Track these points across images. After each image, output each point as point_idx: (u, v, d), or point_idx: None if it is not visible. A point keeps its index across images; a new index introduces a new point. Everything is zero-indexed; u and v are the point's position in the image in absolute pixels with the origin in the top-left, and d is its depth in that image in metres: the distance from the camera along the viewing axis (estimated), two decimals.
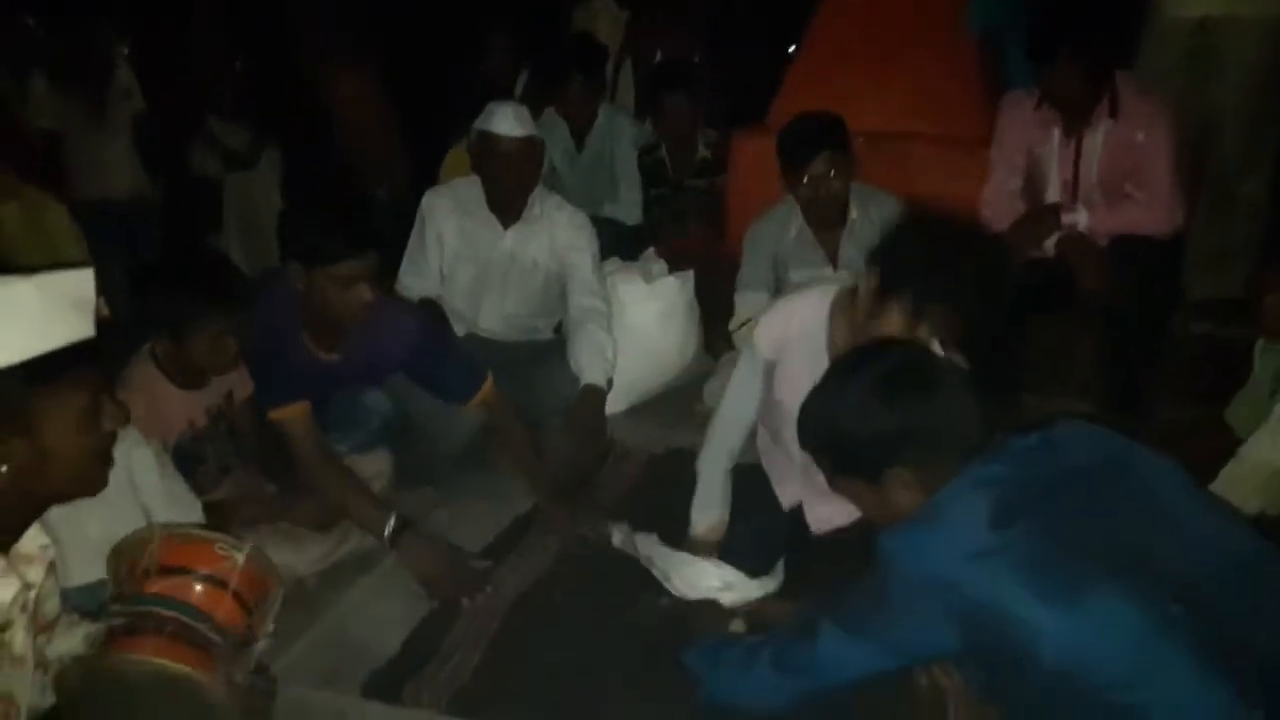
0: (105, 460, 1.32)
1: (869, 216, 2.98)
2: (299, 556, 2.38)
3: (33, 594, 1.31)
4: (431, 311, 3.02)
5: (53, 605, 1.43)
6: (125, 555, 1.67)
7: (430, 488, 2.77)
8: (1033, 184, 3.14)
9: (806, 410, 1.60)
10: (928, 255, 1.88)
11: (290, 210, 2.47)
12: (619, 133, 4.14)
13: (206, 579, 1.61)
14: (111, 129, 4.28)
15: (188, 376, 2.34)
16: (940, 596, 1.36)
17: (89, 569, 2.01)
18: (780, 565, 2.30)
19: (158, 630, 1.51)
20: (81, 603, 1.97)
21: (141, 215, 4.36)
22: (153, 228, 4.40)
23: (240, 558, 1.64)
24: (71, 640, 1.53)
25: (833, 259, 3.02)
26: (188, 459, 2.33)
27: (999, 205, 3.13)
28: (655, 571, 2.31)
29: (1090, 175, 3.04)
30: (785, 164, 2.89)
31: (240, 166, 4.71)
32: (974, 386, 1.54)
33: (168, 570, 1.58)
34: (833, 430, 1.55)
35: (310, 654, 2.19)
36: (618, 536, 2.48)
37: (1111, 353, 3.01)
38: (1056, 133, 3.05)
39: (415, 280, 3.18)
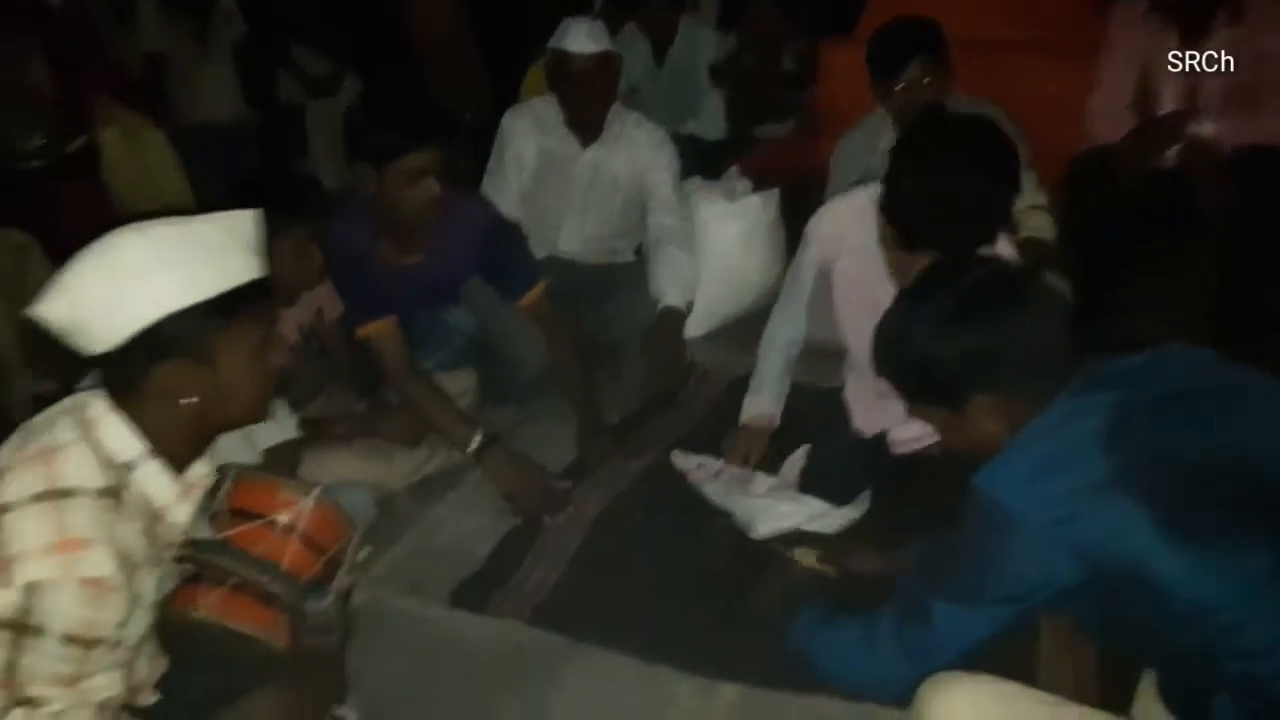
0: (271, 392, 1.39)
1: None
2: (389, 470, 2.45)
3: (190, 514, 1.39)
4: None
5: None
6: (260, 490, 1.65)
7: (513, 408, 2.81)
8: (1145, 97, 2.95)
9: (881, 333, 1.51)
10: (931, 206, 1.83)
11: (354, 112, 2.45)
12: (701, 46, 4.04)
13: (272, 524, 1.58)
14: (213, 53, 4.35)
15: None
16: (1056, 532, 1.25)
17: None
18: (865, 494, 2.27)
19: (220, 583, 1.50)
20: None
21: (240, 139, 4.44)
22: (250, 151, 4.49)
23: (309, 502, 1.61)
24: None
25: None
26: (280, 375, 2.39)
27: (1111, 119, 2.95)
28: (735, 516, 2.29)
29: (1211, 86, 2.83)
30: (876, 72, 2.76)
31: (323, 94, 4.74)
32: (1067, 307, 1.45)
33: (236, 513, 1.57)
34: (910, 355, 1.44)
35: (399, 564, 2.26)
36: (685, 463, 2.48)
37: (1234, 277, 2.84)
38: (1172, 42, 2.86)
39: (495, 201, 3.16)
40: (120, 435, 1.26)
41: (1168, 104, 2.90)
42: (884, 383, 1.55)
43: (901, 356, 1.47)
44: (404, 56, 4.57)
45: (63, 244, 2.83)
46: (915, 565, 1.80)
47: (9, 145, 3.26)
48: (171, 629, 1.45)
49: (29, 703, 1.17)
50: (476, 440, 2.37)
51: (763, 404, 2.36)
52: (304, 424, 2.29)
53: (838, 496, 2.23)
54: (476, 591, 2.14)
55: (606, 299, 3.01)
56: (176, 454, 1.31)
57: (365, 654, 1.90)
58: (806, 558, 2.15)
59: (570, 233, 3.18)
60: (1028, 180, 2.86)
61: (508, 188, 3.14)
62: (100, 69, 3.60)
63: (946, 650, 1.42)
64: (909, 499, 2.25)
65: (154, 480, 1.28)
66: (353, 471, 2.37)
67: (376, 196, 2.35)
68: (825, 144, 3.36)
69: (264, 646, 1.51)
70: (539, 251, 3.13)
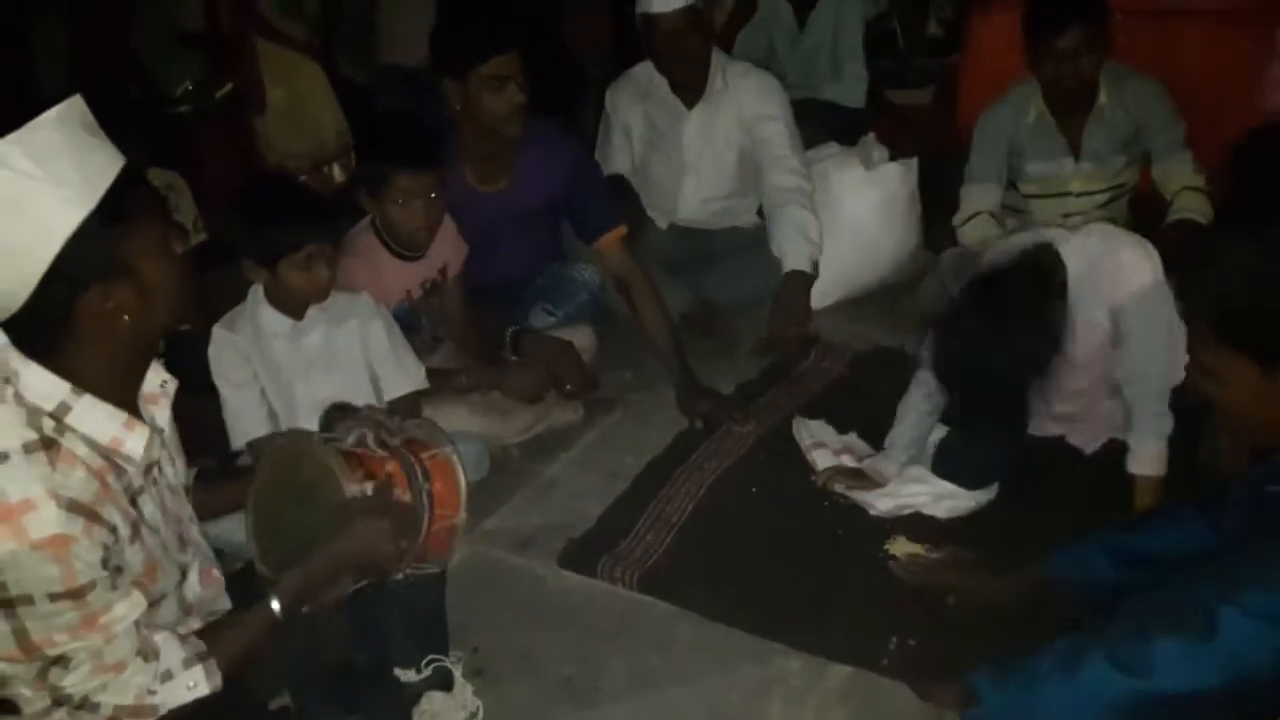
0: (189, 284, 1.28)
1: (1121, 103, 2.69)
2: (506, 425, 2.46)
3: (165, 434, 1.34)
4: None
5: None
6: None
7: (630, 372, 2.79)
8: None
9: (1225, 254, 1.31)
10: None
11: (438, 26, 2.50)
12: (846, 8, 3.88)
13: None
14: None
15: (405, 244, 2.38)
16: None
17: (315, 424, 2.16)
18: (996, 483, 2.19)
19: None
20: None
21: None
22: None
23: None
24: None
25: (1075, 149, 2.75)
26: (403, 328, 2.42)
27: None
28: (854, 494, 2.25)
29: None
30: (1030, 37, 2.62)
31: None
32: None
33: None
34: (1229, 292, 1.24)
35: (510, 520, 2.28)
36: (806, 438, 2.42)
37: None
38: None
39: None
40: (40, 383, 1.17)
41: None
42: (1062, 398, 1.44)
43: (1218, 291, 1.27)
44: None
45: (207, 185, 2.93)
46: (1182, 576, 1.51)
47: (161, 89, 3.38)
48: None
49: (59, 662, 1.17)
50: (511, 330, 2.50)
51: (888, 469, 2.22)
52: (428, 375, 2.31)
53: (973, 481, 2.16)
54: (585, 553, 2.13)
55: (730, 263, 2.95)
56: (115, 381, 1.23)
57: (472, 607, 1.92)
58: (902, 547, 2.09)
59: (687, 198, 3.10)
60: (1183, 160, 2.69)
61: (619, 163, 3.06)
62: (250, 9, 3.64)
63: (1221, 671, 1.26)
64: (1044, 492, 2.18)
65: (91, 417, 1.19)
66: (469, 425, 2.39)
67: (461, 110, 2.40)
68: (967, 114, 3.22)
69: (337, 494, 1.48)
70: (659, 222, 3.09)
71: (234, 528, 2.00)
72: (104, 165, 1.16)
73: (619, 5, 2.87)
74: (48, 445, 1.15)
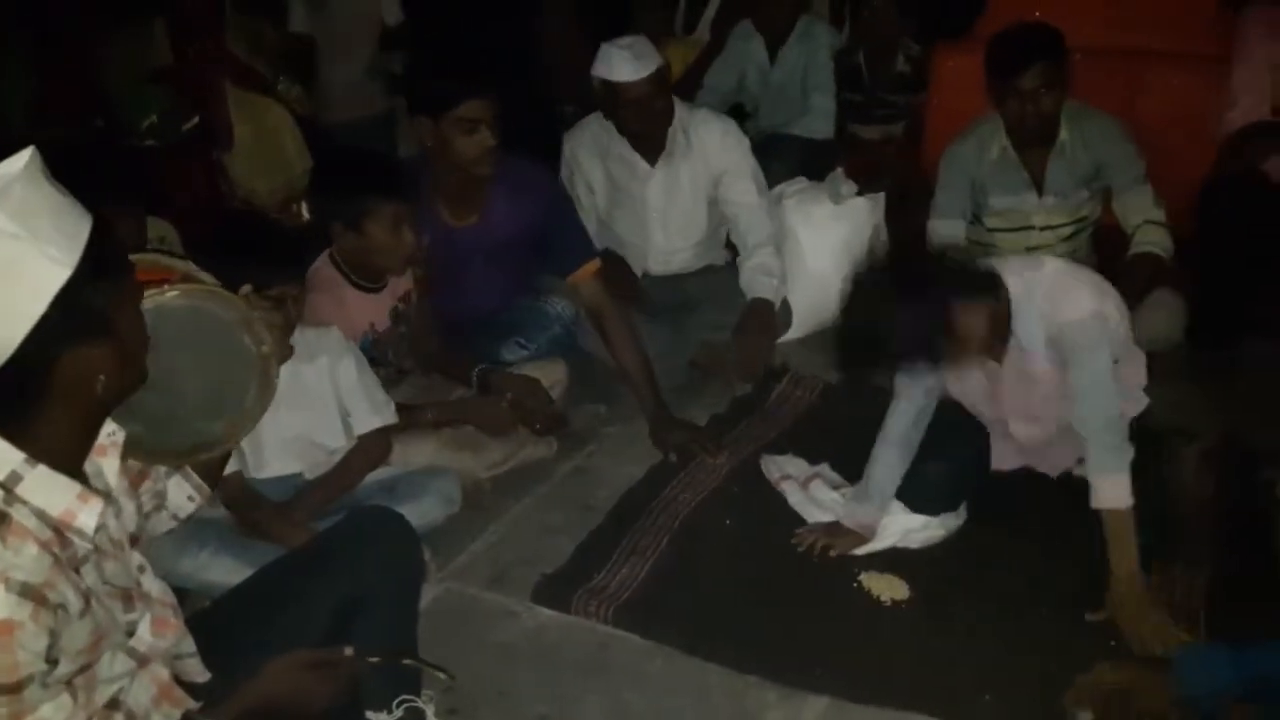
0: (148, 343, 1.21)
1: (1083, 139, 2.74)
2: (477, 460, 2.44)
3: (112, 482, 1.26)
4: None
5: (131, 462, 1.36)
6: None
7: (603, 406, 2.78)
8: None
9: None
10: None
11: (413, 66, 2.55)
12: (816, 43, 3.94)
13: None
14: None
15: (367, 276, 2.37)
16: None
17: (283, 463, 2.14)
18: (964, 505, 2.21)
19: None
20: (270, 492, 2.10)
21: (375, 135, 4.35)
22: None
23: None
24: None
25: (1038, 184, 2.80)
26: (369, 361, 2.40)
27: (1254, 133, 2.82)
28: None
29: None
30: (992, 75, 2.67)
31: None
32: None
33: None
34: None
35: (483, 555, 2.26)
36: (774, 471, 2.43)
37: None
38: None
39: None
40: None
41: None
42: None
43: None
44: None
45: (175, 220, 2.89)
46: None
47: (126, 123, 3.35)
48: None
49: None
50: (478, 369, 2.49)
51: (870, 514, 2.18)
52: (396, 410, 2.29)
53: (942, 505, 2.18)
54: (560, 588, 2.11)
55: (704, 304, 2.95)
56: (72, 449, 1.16)
57: (444, 645, 1.89)
58: (874, 581, 2.10)
59: (657, 252, 3.08)
60: (1142, 194, 2.75)
61: (584, 216, 2.98)
62: (218, 50, 3.63)
63: None
64: (1012, 519, 2.20)
65: (43, 489, 1.11)
66: (441, 459, 2.37)
67: (433, 149, 2.43)
68: (933, 150, 3.27)
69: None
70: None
71: (199, 566, 1.99)
72: (78, 221, 1.10)
73: (597, 45, 2.86)
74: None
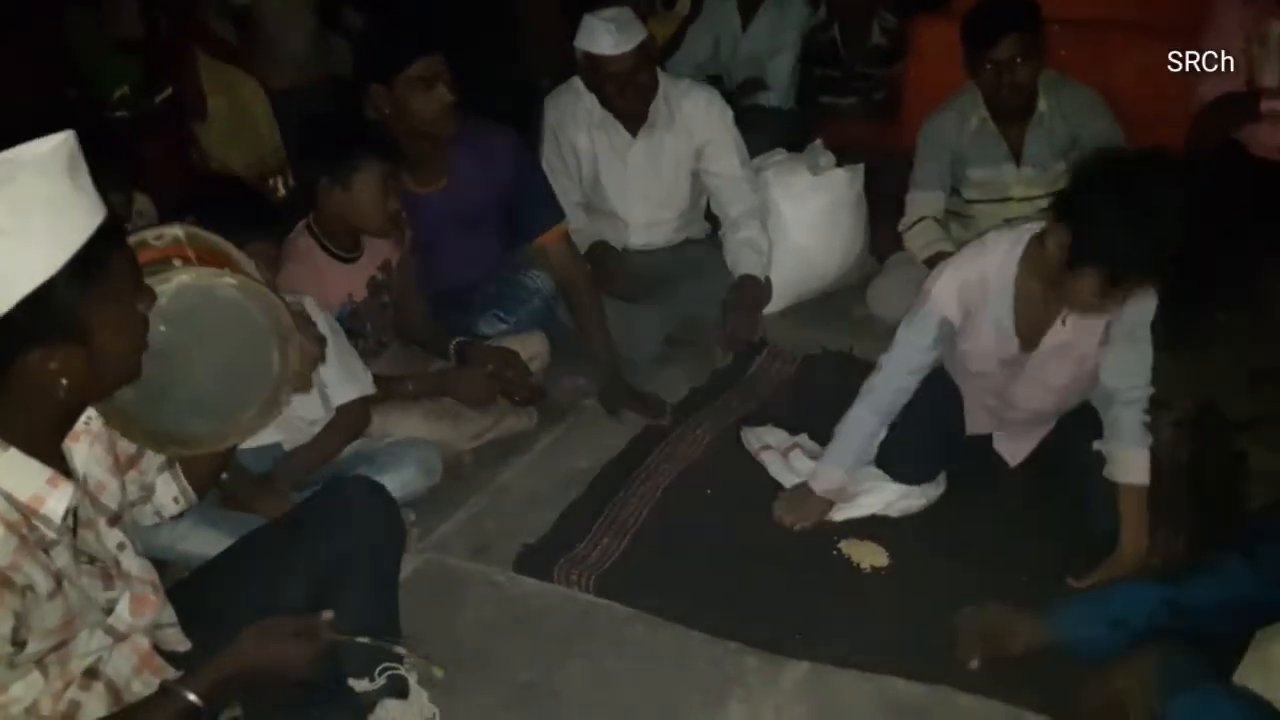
0: (143, 347, 1.19)
1: (1059, 109, 2.75)
2: (457, 432, 2.44)
3: (81, 468, 1.25)
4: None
5: (124, 446, 1.37)
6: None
7: (583, 378, 2.78)
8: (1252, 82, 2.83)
9: None
10: (1127, 223, 1.71)
11: (362, 36, 2.54)
12: (788, 16, 3.94)
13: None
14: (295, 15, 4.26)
15: (344, 245, 2.35)
16: None
17: (262, 434, 2.11)
18: (943, 475, 2.23)
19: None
20: (250, 463, 2.09)
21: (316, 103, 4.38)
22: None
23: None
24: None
25: (1016, 155, 2.81)
26: (347, 332, 2.38)
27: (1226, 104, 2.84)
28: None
29: None
30: (968, 47, 2.68)
31: None
32: None
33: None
34: None
35: (465, 527, 2.26)
36: (754, 442, 2.44)
37: None
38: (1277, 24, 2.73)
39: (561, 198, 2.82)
40: None
41: (1270, 83, 2.78)
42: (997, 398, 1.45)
43: None
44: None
45: (149, 190, 2.85)
46: None
47: (98, 93, 3.31)
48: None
49: None
50: (455, 342, 2.49)
51: (838, 478, 2.16)
52: (375, 381, 2.28)
53: (921, 474, 2.19)
54: (541, 558, 2.12)
55: (695, 278, 2.94)
56: (43, 437, 1.16)
57: (427, 614, 1.90)
58: (854, 548, 2.11)
59: (637, 223, 3.06)
60: None
61: (569, 182, 2.96)
62: (191, 22, 3.59)
63: None
64: (987, 484, 2.23)
65: (13, 473, 1.11)
66: (421, 430, 2.36)
67: (391, 115, 2.39)
68: (911, 121, 3.27)
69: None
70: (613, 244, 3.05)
71: (177, 537, 1.98)
72: (81, 221, 1.06)
73: (575, 18, 2.82)
74: None
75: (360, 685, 1.64)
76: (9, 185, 1.02)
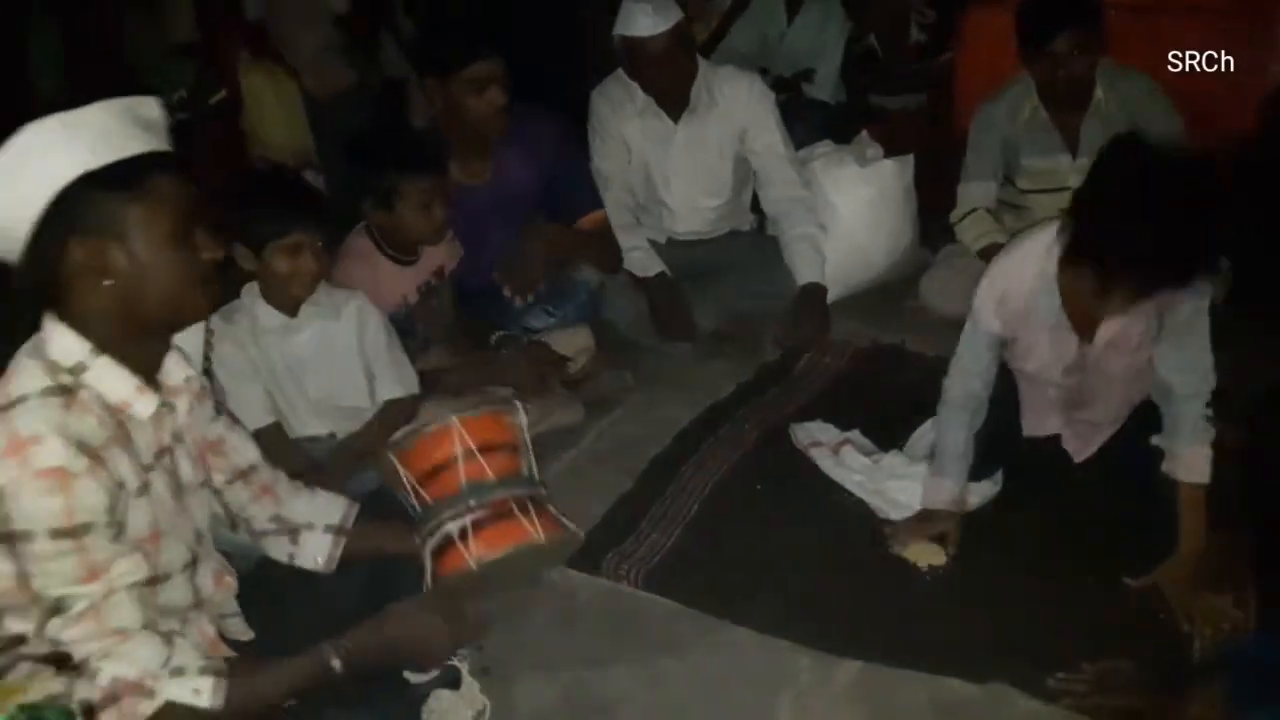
0: (203, 287, 1.30)
1: (1118, 99, 2.69)
2: None
3: (182, 421, 1.36)
4: None
5: (214, 429, 1.48)
6: (417, 452, 1.60)
7: (629, 373, 2.78)
8: None
9: None
10: (1126, 224, 1.65)
11: (422, 28, 2.62)
12: (830, 12, 3.91)
13: (451, 463, 1.57)
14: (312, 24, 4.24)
15: (401, 250, 2.39)
16: None
17: (312, 423, 2.15)
18: (999, 474, 2.18)
19: (462, 536, 1.51)
20: (307, 451, 2.12)
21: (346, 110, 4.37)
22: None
23: (521, 416, 1.68)
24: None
25: (1072, 146, 2.75)
26: (399, 333, 2.41)
27: None
28: (861, 492, 2.23)
29: None
30: (1024, 39, 2.63)
31: None
32: None
33: (420, 482, 1.58)
34: None
35: None
36: (804, 439, 2.41)
37: None
38: None
39: (605, 191, 2.89)
40: (62, 339, 1.24)
41: None
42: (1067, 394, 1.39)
43: None
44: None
45: (205, 190, 2.91)
46: None
47: (158, 98, 3.38)
48: (460, 591, 1.51)
49: (58, 609, 1.19)
50: (496, 335, 2.54)
51: (949, 489, 2.08)
52: (420, 377, 2.30)
53: (978, 472, 2.13)
54: (591, 551, 2.10)
55: (741, 272, 2.93)
56: (124, 348, 1.26)
57: (478, 606, 1.91)
58: (915, 552, 2.07)
59: (683, 213, 3.05)
60: None
61: (620, 172, 2.95)
62: (240, 26, 3.67)
63: None
64: (1045, 483, 2.18)
65: (105, 377, 1.24)
66: None
67: (443, 111, 2.47)
68: (963, 111, 3.23)
69: (540, 547, 1.55)
70: (656, 238, 3.04)
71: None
72: (128, 141, 1.22)
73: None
74: (64, 392, 1.21)
75: (414, 676, 1.66)
76: (76, 111, 1.21)
